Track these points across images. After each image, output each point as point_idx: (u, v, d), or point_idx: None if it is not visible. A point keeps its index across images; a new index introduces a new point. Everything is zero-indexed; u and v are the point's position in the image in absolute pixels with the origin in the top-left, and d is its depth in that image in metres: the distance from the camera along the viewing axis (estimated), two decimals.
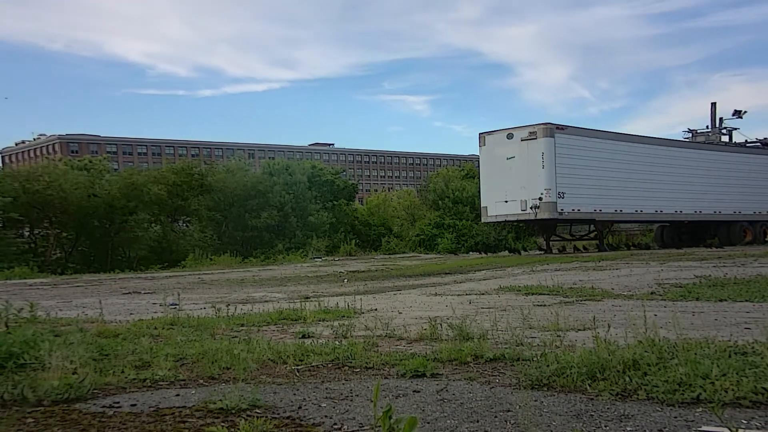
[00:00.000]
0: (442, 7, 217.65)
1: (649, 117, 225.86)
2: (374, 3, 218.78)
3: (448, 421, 4.14)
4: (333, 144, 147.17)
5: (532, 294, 12.26)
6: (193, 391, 5.12)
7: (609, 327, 6.29)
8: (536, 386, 4.87)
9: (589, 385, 4.74)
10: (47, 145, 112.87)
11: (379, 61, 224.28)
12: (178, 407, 4.65)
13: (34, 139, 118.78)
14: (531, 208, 27.65)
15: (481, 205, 30.21)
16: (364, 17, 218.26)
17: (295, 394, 4.95)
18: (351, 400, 4.73)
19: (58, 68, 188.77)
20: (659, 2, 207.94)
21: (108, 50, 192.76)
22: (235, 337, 7.58)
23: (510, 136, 28.45)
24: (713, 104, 42.73)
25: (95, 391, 5.09)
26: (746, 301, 9.93)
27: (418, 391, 4.93)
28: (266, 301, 12.81)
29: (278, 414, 4.42)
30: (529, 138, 27.73)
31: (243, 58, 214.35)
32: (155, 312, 10.59)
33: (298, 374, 5.64)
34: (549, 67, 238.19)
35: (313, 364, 5.94)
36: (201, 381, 5.49)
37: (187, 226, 41.20)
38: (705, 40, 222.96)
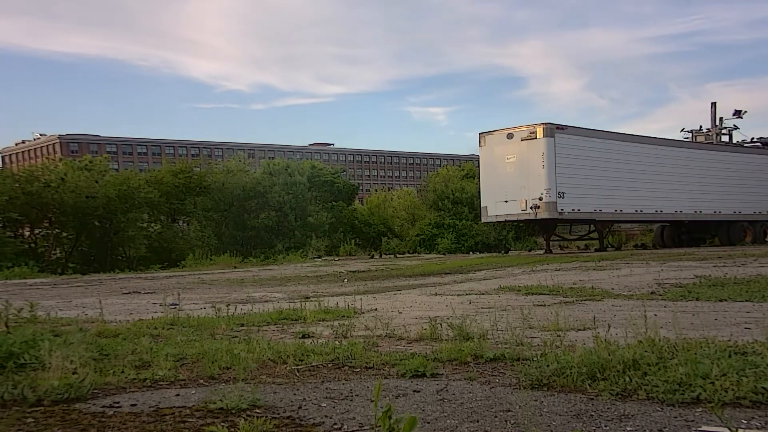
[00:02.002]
0: (468, 26, 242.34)
1: (655, 122, 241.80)
2: (414, 25, 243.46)
3: (448, 421, 4.14)
4: (333, 144, 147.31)
5: (532, 294, 12.26)
6: (193, 391, 5.12)
7: (609, 327, 6.29)
8: (536, 386, 4.87)
9: (589, 385, 4.74)
10: (47, 145, 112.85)
11: (411, 75, 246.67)
12: (178, 407, 4.65)
13: (34, 139, 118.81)
14: (531, 208, 27.61)
15: (481, 205, 30.17)
16: (403, 38, 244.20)
17: (295, 394, 4.95)
18: (351, 400, 4.72)
19: (144, 83, 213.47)
20: (662, 26, 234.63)
21: (185, 70, 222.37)
22: (235, 337, 7.58)
23: (510, 136, 28.42)
24: (713, 104, 42.74)
25: (95, 391, 5.09)
26: (746, 301, 9.93)
27: (418, 391, 4.93)
28: (266, 301, 12.81)
29: (278, 414, 4.41)
30: (529, 138, 27.70)
31: (294, 75, 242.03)
32: (155, 312, 10.59)
33: (298, 374, 5.63)
34: (562, 79, 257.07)
35: (313, 364, 5.93)
36: (201, 381, 5.49)
37: (187, 225, 41.19)
38: (704, 54, 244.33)
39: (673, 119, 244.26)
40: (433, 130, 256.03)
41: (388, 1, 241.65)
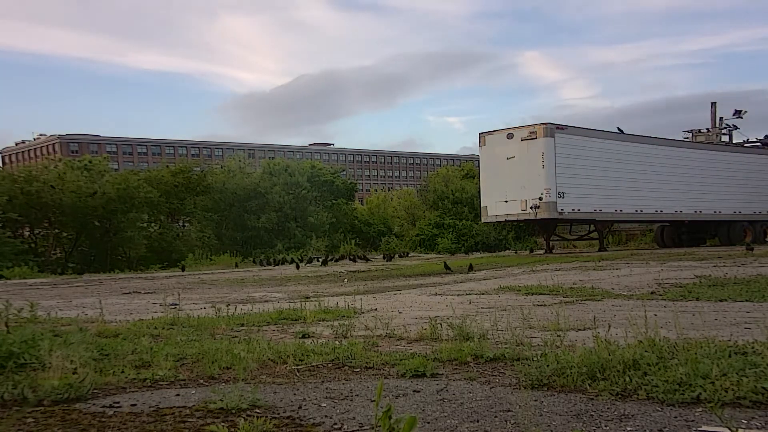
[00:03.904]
0: (483, 41, 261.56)
1: (659, 124, 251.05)
2: (436, 42, 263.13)
3: (448, 421, 4.14)
4: (333, 144, 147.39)
5: (532, 294, 12.26)
6: (193, 391, 5.12)
7: (609, 327, 6.28)
8: (536, 386, 4.87)
9: (589, 385, 4.74)
10: (47, 145, 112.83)
11: (432, 87, 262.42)
12: (178, 407, 4.65)
13: (34, 139, 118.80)
14: (531, 207, 27.63)
15: (481, 205, 30.18)
16: (428, 54, 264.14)
17: (295, 394, 4.95)
18: (351, 400, 4.72)
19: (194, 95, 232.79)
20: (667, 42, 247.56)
21: (229, 83, 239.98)
22: (235, 337, 7.58)
23: (510, 136, 28.42)
24: (713, 104, 42.66)
25: (95, 391, 5.09)
26: (746, 301, 9.92)
27: (418, 391, 4.93)
28: (266, 301, 12.81)
29: (278, 414, 4.41)
30: (529, 138, 27.71)
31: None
32: (155, 312, 10.59)
33: (298, 374, 5.63)
34: (572, 88, 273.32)
35: (313, 364, 5.93)
36: (201, 381, 5.49)
37: (185, 226, 41.18)
38: (708, 64, 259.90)
39: (676, 123, 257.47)
40: (448, 137, 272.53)
41: (415, 23, 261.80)
